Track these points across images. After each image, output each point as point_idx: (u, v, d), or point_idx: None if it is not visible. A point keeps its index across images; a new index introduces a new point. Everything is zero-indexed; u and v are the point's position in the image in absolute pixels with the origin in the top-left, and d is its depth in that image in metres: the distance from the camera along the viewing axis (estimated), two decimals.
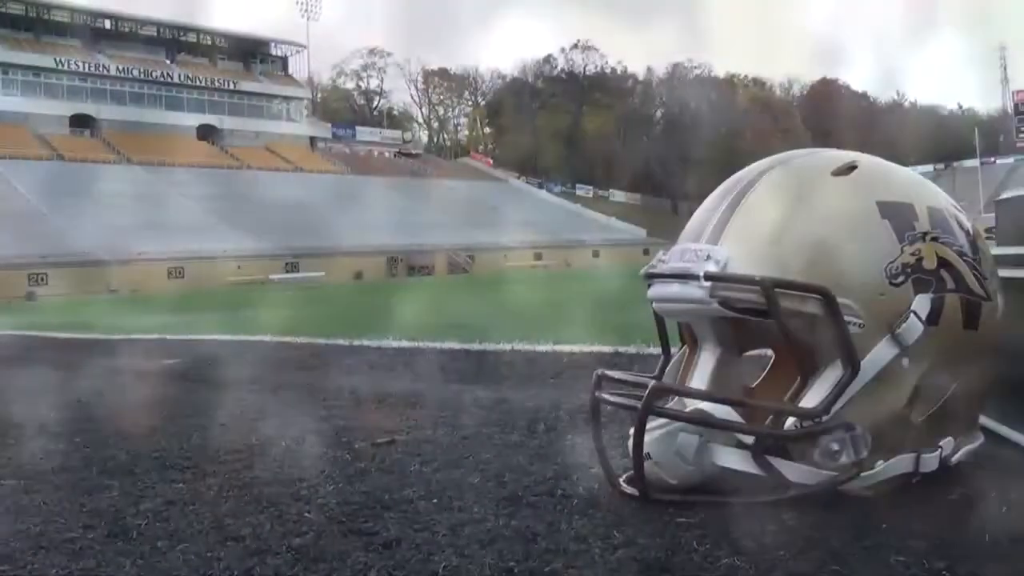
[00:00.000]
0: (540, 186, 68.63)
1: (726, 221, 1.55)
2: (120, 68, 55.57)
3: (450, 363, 3.98)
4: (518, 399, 2.76)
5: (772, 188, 1.56)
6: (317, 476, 1.93)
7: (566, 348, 4.05)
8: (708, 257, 1.51)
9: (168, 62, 59.34)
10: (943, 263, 1.49)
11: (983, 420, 1.70)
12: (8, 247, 34.58)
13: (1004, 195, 2.25)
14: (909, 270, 1.46)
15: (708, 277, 1.49)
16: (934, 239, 1.50)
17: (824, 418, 1.45)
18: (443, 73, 79.55)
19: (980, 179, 56.66)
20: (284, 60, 66.49)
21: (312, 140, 63.69)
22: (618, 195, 72.12)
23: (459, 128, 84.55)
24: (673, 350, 1.74)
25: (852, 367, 1.43)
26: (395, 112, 78.85)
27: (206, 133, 58.11)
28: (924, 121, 79.70)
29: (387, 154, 68.58)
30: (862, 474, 1.47)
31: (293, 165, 57.64)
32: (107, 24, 57.67)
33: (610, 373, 1.66)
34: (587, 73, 77.22)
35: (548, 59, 78.07)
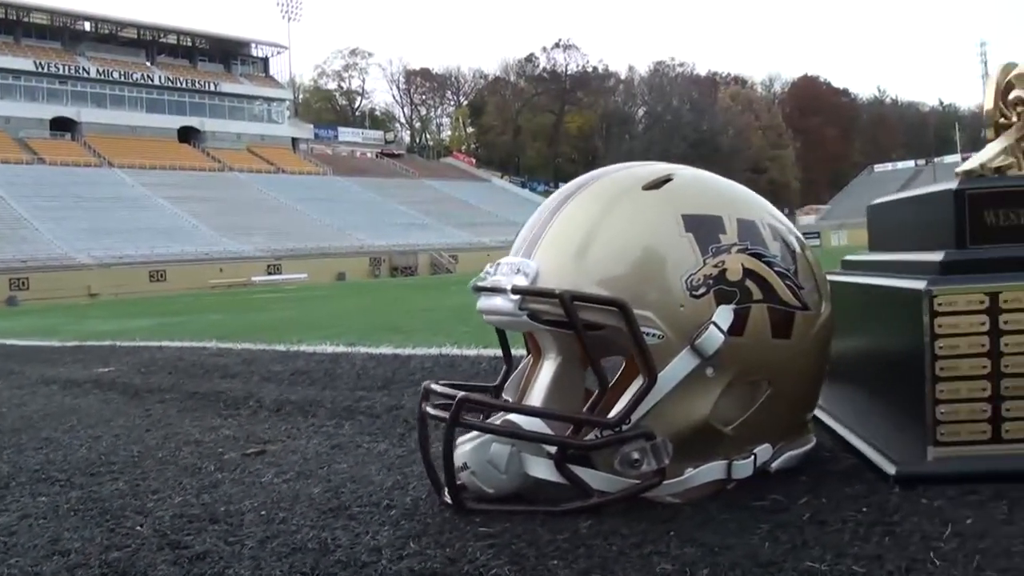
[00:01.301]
0: (523, 185, 68.71)
1: (540, 235, 1.59)
2: (100, 70, 55.39)
3: (373, 368, 4.00)
4: (411, 405, 2.79)
5: (584, 202, 1.59)
6: (172, 488, 1.95)
7: (490, 352, 4.07)
8: (518, 271, 1.55)
9: (149, 64, 59.17)
10: (749, 274, 1.52)
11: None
12: None
13: (875, 201, 2.29)
14: (711, 281, 1.50)
15: (515, 291, 1.53)
16: (741, 251, 1.53)
17: (624, 427, 1.48)
18: (425, 73, 79.57)
19: None
20: (265, 61, 66.39)
21: (294, 141, 63.62)
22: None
23: (441, 128, 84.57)
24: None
25: (649, 377, 1.47)
26: (377, 112, 78.81)
27: (187, 135, 57.95)
28: (905, 117, 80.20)
29: (369, 154, 68.55)
30: (667, 481, 1.51)
31: (275, 166, 57.55)
32: (87, 26, 57.46)
33: (435, 386, 1.69)
34: (569, 72, 77.34)
35: (530, 58, 78.20)
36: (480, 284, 1.61)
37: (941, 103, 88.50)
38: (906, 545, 1.25)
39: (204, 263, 38.04)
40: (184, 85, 59.29)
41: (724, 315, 1.48)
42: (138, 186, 47.92)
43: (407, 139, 79.14)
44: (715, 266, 1.50)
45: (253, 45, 66.04)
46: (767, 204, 1.69)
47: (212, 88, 60.55)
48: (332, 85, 78.90)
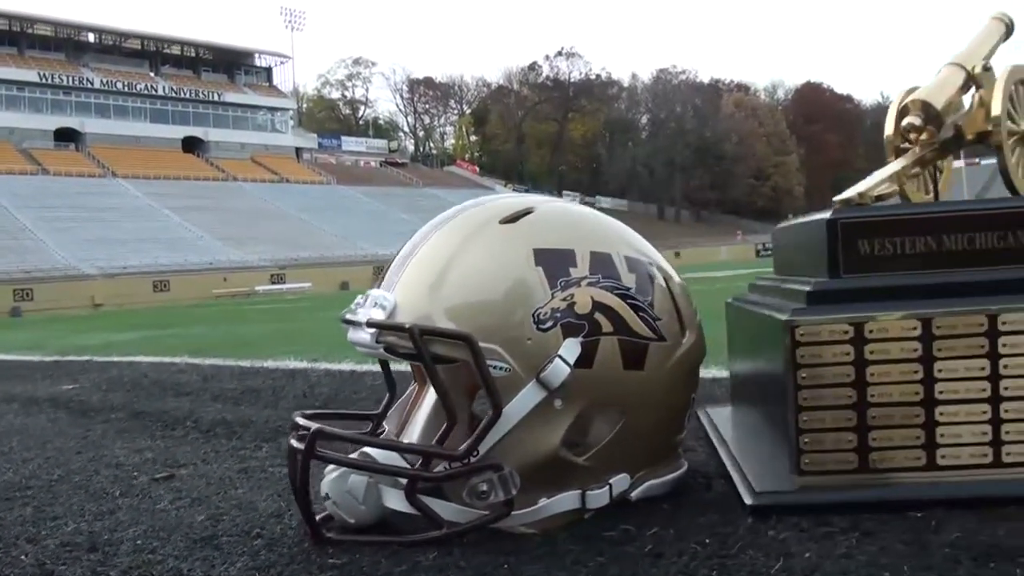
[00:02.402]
0: (527, 193, 68.76)
1: (402, 268, 1.60)
2: (104, 81, 55.65)
3: (322, 386, 4.02)
4: (340, 426, 2.80)
5: (444, 236, 1.61)
6: (72, 515, 1.96)
7: None
8: (376, 304, 1.56)
9: (152, 75, 59.45)
10: (599, 307, 1.53)
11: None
12: None
13: (780, 224, 2.30)
14: (559, 315, 1.50)
15: (370, 324, 1.55)
16: (592, 284, 1.54)
17: (472, 459, 1.49)
18: (428, 82, 79.78)
19: (964, 180, 56.92)
20: (269, 71, 66.63)
21: (298, 151, 63.79)
22: (604, 201, 72.11)
23: (445, 136, 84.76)
24: None
25: (495, 410, 1.48)
26: (381, 122, 79.01)
27: (191, 145, 58.17)
28: None
29: (373, 163, 68.70)
30: (520, 511, 1.51)
31: (279, 176, 57.71)
32: (91, 37, 57.77)
33: (298, 418, 1.69)
34: (572, 80, 77.44)
35: (533, 66, 78.33)
36: (346, 316, 1.62)
37: None
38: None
39: (208, 273, 38.13)
40: (188, 95, 59.54)
41: (571, 348, 1.49)
42: (142, 196, 48.10)
43: (411, 148, 79.30)
44: (563, 300, 1.51)
45: (257, 55, 66.31)
46: (632, 237, 1.70)
47: (216, 98, 60.79)
48: (336, 94, 79.17)
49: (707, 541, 1.42)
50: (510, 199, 1.68)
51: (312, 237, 47.05)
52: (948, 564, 1.27)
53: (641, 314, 1.56)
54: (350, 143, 70.27)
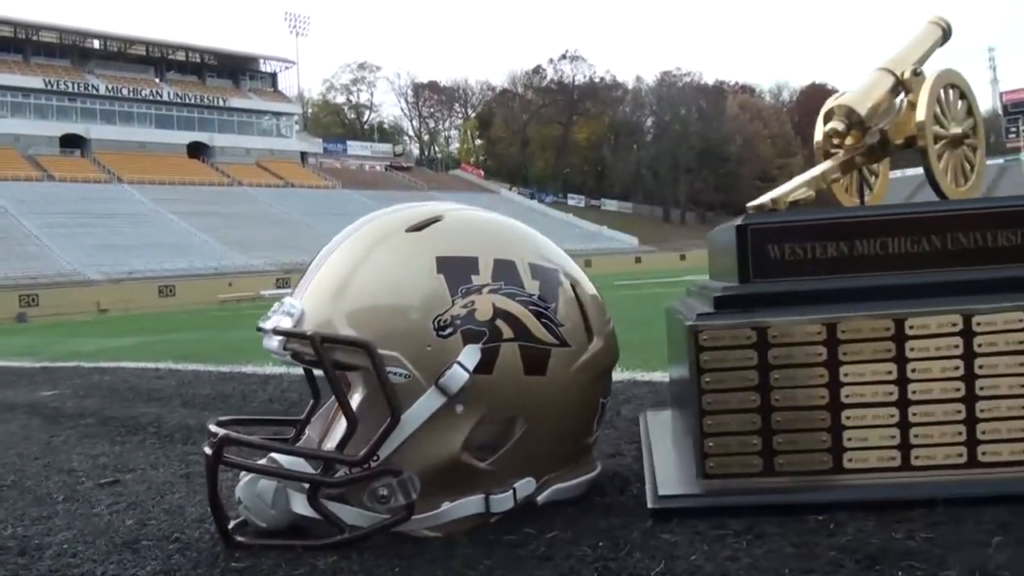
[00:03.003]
0: (532, 196, 68.79)
1: (312, 276, 1.63)
2: (109, 87, 55.87)
3: (291, 391, 4.05)
4: (265, 431, 2.82)
5: (352, 244, 1.63)
6: (13, 519, 1.98)
7: None
8: (285, 312, 1.59)
9: (157, 80, 59.67)
10: (500, 314, 1.55)
11: None
12: None
13: (716, 228, 2.31)
14: (459, 322, 1.52)
15: (276, 332, 1.57)
16: (493, 291, 1.56)
17: (373, 464, 1.52)
18: (433, 86, 79.90)
19: None
20: (274, 76, 66.83)
21: (303, 155, 63.95)
22: (610, 204, 72.26)
23: (450, 140, 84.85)
24: None
25: (392, 416, 1.50)
26: (386, 126, 79.16)
27: (197, 151, 58.36)
28: None
29: (378, 168, 68.83)
30: (422, 515, 1.53)
31: (284, 181, 57.85)
32: (96, 44, 58.05)
33: (211, 425, 1.71)
34: (576, 83, 77.45)
35: (537, 70, 78.37)
36: (259, 324, 1.65)
37: None
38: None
39: (213, 278, 38.21)
40: (193, 101, 59.75)
41: (470, 354, 1.51)
42: (148, 202, 48.27)
43: (416, 152, 79.48)
44: (464, 307, 1.53)
45: (261, 60, 66.53)
46: (541, 244, 1.71)
47: (221, 103, 60.98)
48: (340, 99, 79.39)
49: (600, 544, 1.44)
50: (422, 207, 1.70)
51: (317, 241, 46.31)
52: (830, 567, 1.28)
53: (544, 320, 1.58)
54: (355, 147, 70.45)
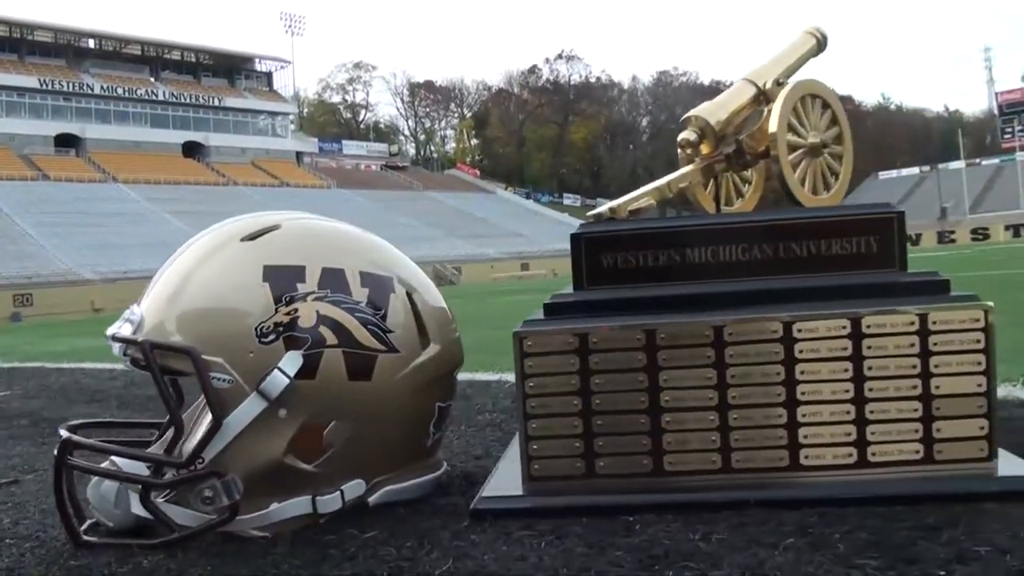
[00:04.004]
0: (528, 196, 68.82)
1: (155, 283, 1.67)
2: (105, 87, 55.89)
3: None
4: (128, 434, 2.86)
5: (191, 252, 1.68)
6: None
7: None
8: (127, 319, 1.64)
9: (153, 80, 59.69)
10: (324, 320, 1.59)
11: None
12: None
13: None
14: (281, 329, 1.57)
15: (114, 338, 1.62)
16: (318, 299, 1.60)
17: (199, 466, 1.56)
18: (429, 85, 79.97)
19: (964, 181, 56.83)
20: (269, 76, 66.87)
21: (298, 155, 63.98)
22: (605, 204, 72.15)
23: (446, 140, 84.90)
24: None
25: (214, 420, 1.54)
26: (381, 125, 79.22)
27: (192, 150, 58.38)
28: (910, 124, 79.84)
29: (374, 167, 68.87)
30: (249, 516, 1.57)
31: (279, 180, 57.87)
32: (91, 43, 58.07)
33: (62, 430, 1.75)
34: (572, 83, 77.50)
35: (533, 69, 78.44)
36: (106, 331, 1.70)
37: (947, 109, 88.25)
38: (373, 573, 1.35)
39: None
40: (188, 100, 59.78)
41: (291, 360, 1.56)
42: (143, 201, 48.30)
43: (411, 151, 79.55)
44: (287, 314, 1.57)
45: (257, 60, 66.56)
46: (377, 253, 1.75)
47: (216, 103, 61.01)
48: (336, 98, 79.49)
49: (408, 544, 1.48)
50: (263, 217, 1.74)
51: None
52: (609, 566, 1.32)
53: (370, 327, 1.62)
54: (351, 147, 70.52)
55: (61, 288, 34.37)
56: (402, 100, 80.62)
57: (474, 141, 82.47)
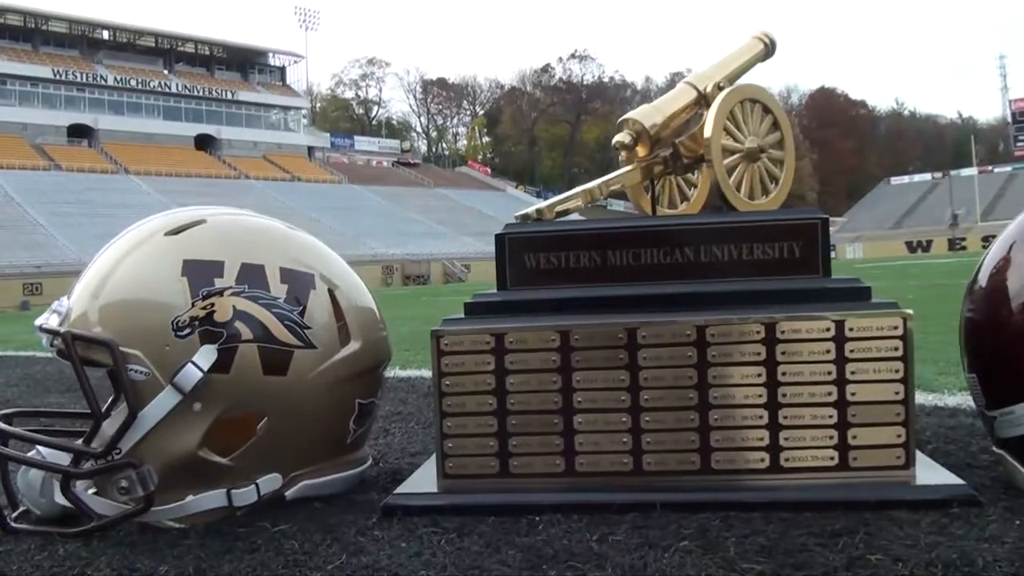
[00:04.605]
0: (538, 195, 68.69)
1: (84, 276, 1.69)
2: (118, 78, 56.11)
3: None
4: (66, 423, 2.87)
5: (117, 246, 1.69)
6: None
7: None
8: (54, 310, 1.66)
9: (166, 72, 59.89)
10: (241, 315, 1.60)
11: None
12: (3, 257, 34.99)
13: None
14: (197, 323, 1.58)
15: (41, 329, 1.64)
16: (236, 294, 1.61)
17: (116, 457, 1.57)
18: (442, 83, 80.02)
19: (977, 188, 56.52)
20: (282, 70, 67.00)
21: (310, 150, 64.09)
22: (616, 204, 72.04)
23: (457, 137, 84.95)
24: None
25: (129, 412, 1.56)
26: (394, 121, 79.33)
27: (204, 143, 58.56)
28: (923, 130, 79.45)
29: (385, 163, 68.95)
30: (164, 507, 1.59)
31: (291, 175, 57.99)
32: (105, 35, 58.30)
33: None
34: (585, 82, 77.39)
35: (546, 68, 78.37)
36: (35, 322, 1.72)
37: (960, 116, 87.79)
38: (270, 567, 1.37)
39: None
40: (201, 93, 59.96)
41: (206, 354, 1.57)
42: (154, 193, 48.45)
43: (423, 148, 79.63)
44: (203, 308, 1.58)
45: (270, 54, 66.70)
46: (301, 250, 1.76)
47: (229, 96, 61.18)
48: (349, 94, 79.59)
49: (313, 539, 1.50)
50: (191, 212, 1.76)
51: (322, 236, 45.81)
52: (497, 565, 1.33)
53: (287, 323, 1.63)
54: (363, 143, 70.57)
55: (71, 278, 33.15)
56: (415, 97, 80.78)
57: (486, 139, 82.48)
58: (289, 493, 1.70)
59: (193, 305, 1.59)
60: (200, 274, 1.61)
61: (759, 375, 1.61)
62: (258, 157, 59.57)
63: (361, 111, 79.54)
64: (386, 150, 71.58)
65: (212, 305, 1.59)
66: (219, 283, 1.61)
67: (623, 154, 2.05)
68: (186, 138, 58.06)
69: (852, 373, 1.61)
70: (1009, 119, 70.63)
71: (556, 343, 1.64)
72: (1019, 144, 65.79)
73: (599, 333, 1.64)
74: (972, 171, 60.23)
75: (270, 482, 1.67)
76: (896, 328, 1.61)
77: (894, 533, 1.42)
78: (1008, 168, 65.51)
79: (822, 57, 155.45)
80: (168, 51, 61.22)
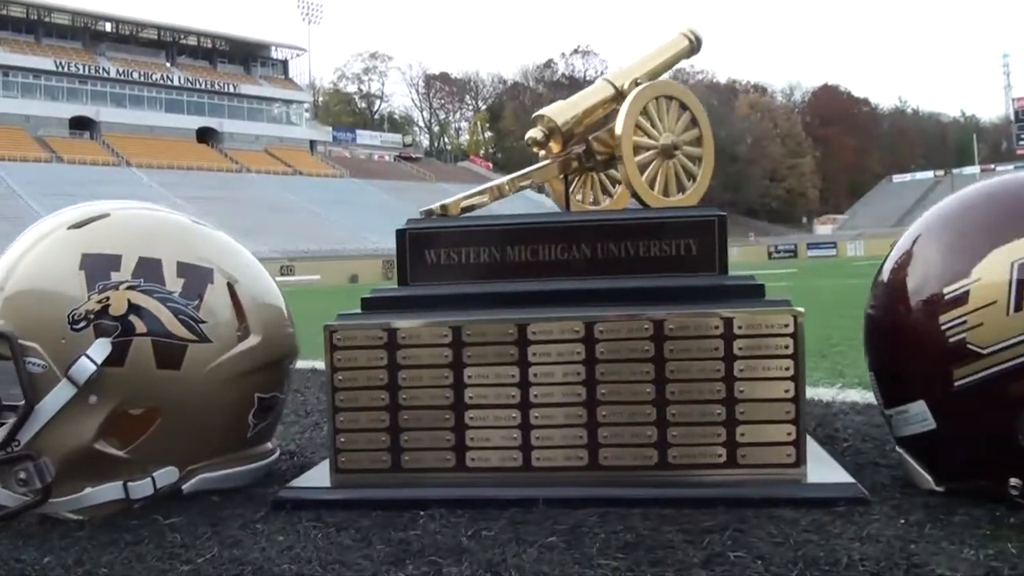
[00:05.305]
0: (539, 191, 68.54)
1: None
2: (120, 71, 56.19)
3: None
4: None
5: (25, 238, 1.71)
6: None
7: None
8: None
9: (168, 65, 59.95)
10: (135, 309, 1.61)
11: None
12: (4, 248, 34.98)
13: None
14: (92, 316, 1.59)
15: None
16: (131, 287, 1.62)
17: (15, 448, 1.58)
18: (444, 77, 79.96)
19: None
20: (285, 63, 67.04)
21: (312, 143, 64.13)
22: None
23: (460, 132, 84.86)
24: None
25: (26, 404, 1.57)
26: (396, 116, 79.26)
27: (206, 136, 58.62)
28: (926, 128, 79.25)
29: (387, 158, 68.96)
30: (62, 499, 1.60)
31: (292, 168, 58.06)
32: (108, 27, 58.37)
33: None
34: (588, 78, 77.21)
35: (549, 64, 78.27)
36: None
37: (963, 114, 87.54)
38: (145, 560, 1.38)
39: None
40: (203, 86, 60.02)
41: (100, 348, 1.58)
42: (155, 186, 48.54)
43: (425, 143, 79.60)
44: (99, 302, 1.60)
45: (273, 47, 66.74)
46: (200, 245, 1.76)
47: (231, 89, 61.23)
48: (351, 88, 79.59)
49: (199, 531, 1.51)
50: (99, 205, 1.77)
51: (323, 230, 47.32)
52: (360, 560, 1.34)
53: (181, 317, 1.64)
54: (364, 137, 70.63)
55: None
56: (417, 91, 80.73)
57: (488, 134, 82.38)
58: (186, 486, 1.72)
59: (89, 299, 1.60)
60: (97, 268, 1.63)
61: (648, 372, 1.62)
62: (260, 150, 59.64)
63: (363, 105, 79.51)
64: (388, 144, 71.62)
65: (107, 299, 1.61)
66: (115, 277, 1.62)
67: (533, 150, 2.06)
68: (188, 131, 58.14)
69: (741, 371, 1.61)
70: (1012, 117, 70.45)
71: (448, 339, 1.65)
72: (1022, 143, 65.60)
73: (490, 329, 1.64)
74: (974, 169, 60.15)
75: (167, 475, 1.68)
76: (787, 326, 1.61)
77: (767, 531, 1.42)
78: (1011, 167, 65.18)
79: (825, 54, 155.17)
80: (170, 44, 61.28)
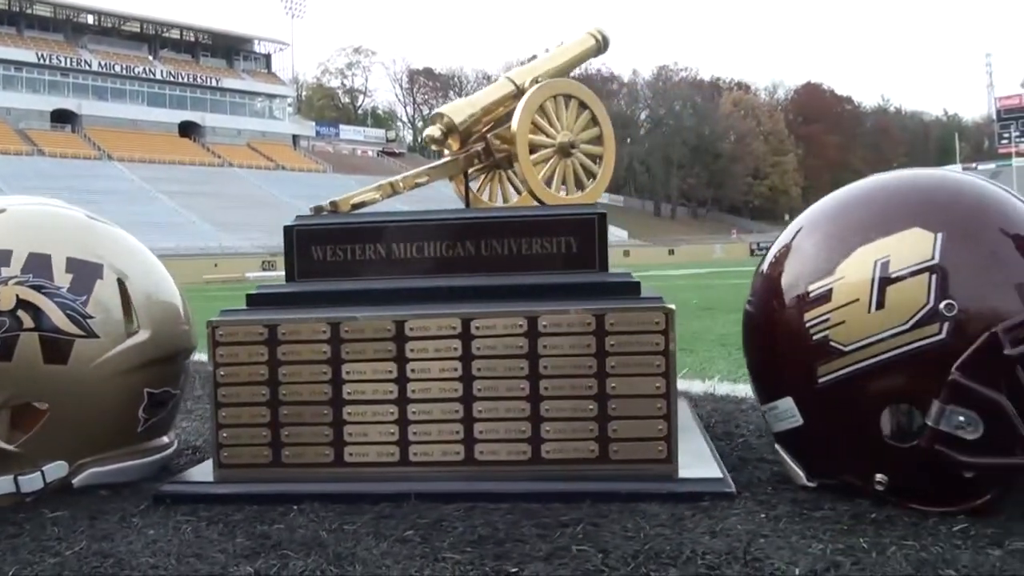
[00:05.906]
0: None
1: None
2: (102, 64, 55.80)
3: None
4: None
5: None
6: None
7: None
8: None
9: (151, 58, 59.59)
10: (23, 304, 1.64)
11: None
12: None
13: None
14: None
15: None
16: (20, 283, 1.65)
17: None
18: (428, 72, 79.81)
19: None
20: (268, 58, 66.74)
21: (295, 138, 63.91)
22: (602, 197, 72.16)
23: None
24: None
25: None
26: (379, 111, 79.08)
27: (188, 130, 58.32)
28: (908, 126, 79.68)
29: (371, 153, 68.81)
30: None
31: (275, 163, 57.82)
32: (90, 19, 57.93)
33: None
34: (572, 74, 77.17)
35: (532, 59, 78.01)
36: None
37: (945, 113, 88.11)
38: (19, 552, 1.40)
39: (200, 258, 38.11)
40: (186, 80, 59.69)
41: None
42: (137, 180, 48.26)
43: (409, 138, 79.39)
44: None
45: (256, 41, 66.42)
46: (93, 240, 1.80)
47: (214, 83, 60.93)
48: (335, 83, 79.28)
49: (78, 525, 1.54)
50: None
51: None
52: (218, 553, 1.37)
53: (68, 312, 1.67)
54: (348, 132, 70.42)
55: None
56: (401, 86, 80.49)
57: None
58: (76, 480, 1.74)
59: None
60: None
61: (522, 368, 1.65)
62: (242, 145, 59.37)
63: (347, 100, 79.26)
64: (371, 139, 71.47)
65: None
66: (5, 272, 1.65)
67: (431, 148, 2.09)
68: (170, 125, 57.81)
69: (613, 367, 1.64)
70: (995, 116, 70.92)
71: (327, 335, 1.68)
72: (1003, 141, 66.09)
73: (368, 326, 1.67)
74: (956, 167, 60.53)
75: (56, 469, 1.71)
76: (658, 323, 1.64)
77: (623, 525, 1.45)
78: (992, 165, 65.76)
79: (808, 52, 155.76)
80: (153, 37, 60.90)
